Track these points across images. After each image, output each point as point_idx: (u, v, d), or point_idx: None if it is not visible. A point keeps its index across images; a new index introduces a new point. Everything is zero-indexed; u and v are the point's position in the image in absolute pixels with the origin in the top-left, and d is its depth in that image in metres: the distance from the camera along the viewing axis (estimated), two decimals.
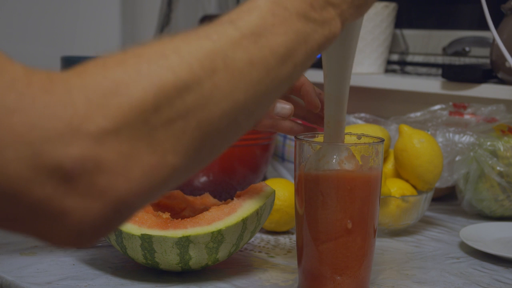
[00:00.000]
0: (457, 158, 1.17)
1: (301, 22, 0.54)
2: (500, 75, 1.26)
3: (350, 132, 0.81)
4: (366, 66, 1.49)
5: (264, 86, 0.51)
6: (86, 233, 0.45)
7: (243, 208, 0.85)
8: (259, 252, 0.97)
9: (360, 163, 0.77)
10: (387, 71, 1.58)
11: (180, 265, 0.84)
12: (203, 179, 1.12)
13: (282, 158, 1.31)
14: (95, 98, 0.44)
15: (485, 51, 1.40)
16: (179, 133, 0.47)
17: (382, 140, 0.79)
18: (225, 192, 1.12)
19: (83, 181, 0.43)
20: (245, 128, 0.53)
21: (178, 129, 0.47)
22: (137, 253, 0.84)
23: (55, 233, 0.44)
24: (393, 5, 1.49)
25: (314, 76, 1.07)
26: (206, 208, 0.90)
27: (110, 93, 0.44)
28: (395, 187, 1.07)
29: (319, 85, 0.82)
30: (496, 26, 1.28)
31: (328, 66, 0.74)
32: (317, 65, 0.95)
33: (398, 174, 1.11)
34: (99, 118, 0.43)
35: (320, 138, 0.80)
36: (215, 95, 0.48)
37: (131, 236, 0.83)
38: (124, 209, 0.45)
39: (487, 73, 1.30)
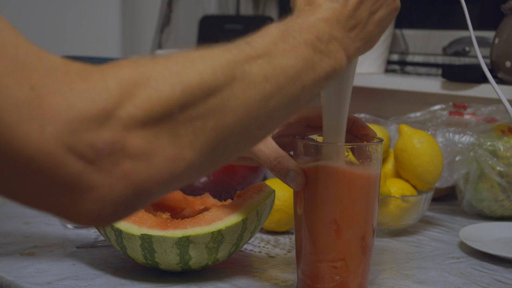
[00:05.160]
0: (457, 158, 1.17)
1: (308, 50, 0.59)
2: (500, 75, 1.26)
3: (349, 132, 0.80)
4: (366, 66, 1.49)
5: (275, 101, 0.56)
6: (107, 210, 0.48)
7: (243, 208, 0.85)
8: (259, 252, 0.97)
9: (359, 163, 0.77)
10: (387, 71, 1.58)
11: (180, 265, 0.84)
12: (203, 179, 1.12)
13: None
14: (127, 87, 0.48)
15: (485, 51, 1.40)
16: (197, 131, 0.51)
17: (381, 140, 0.79)
18: (225, 192, 1.12)
19: (110, 162, 0.47)
20: (256, 138, 0.58)
21: (197, 127, 0.51)
22: (137, 253, 0.84)
23: (79, 208, 0.48)
24: None
25: None
26: (206, 208, 0.90)
27: (141, 85, 0.48)
28: (395, 187, 1.07)
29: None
30: (496, 26, 1.28)
31: (326, 100, 0.75)
32: None
33: (398, 174, 1.11)
34: (130, 107, 0.47)
35: (320, 138, 0.80)
36: (233, 102, 0.53)
37: (131, 236, 0.83)
38: (143, 193, 0.49)
39: None
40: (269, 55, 0.56)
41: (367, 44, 0.66)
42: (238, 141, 0.55)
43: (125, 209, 0.49)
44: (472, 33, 0.86)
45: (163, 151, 0.49)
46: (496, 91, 0.85)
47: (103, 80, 0.47)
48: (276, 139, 0.79)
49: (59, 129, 0.45)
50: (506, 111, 1.25)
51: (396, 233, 1.07)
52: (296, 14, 0.63)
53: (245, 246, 0.98)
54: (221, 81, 0.52)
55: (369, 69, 1.50)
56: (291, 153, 0.79)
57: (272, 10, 1.84)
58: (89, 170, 0.46)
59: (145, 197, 0.50)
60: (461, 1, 0.78)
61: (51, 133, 0.45)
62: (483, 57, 1.42)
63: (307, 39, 0.60)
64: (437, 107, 1.34)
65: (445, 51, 1.50)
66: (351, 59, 0.64)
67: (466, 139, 1.18)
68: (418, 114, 1.33)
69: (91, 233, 1.02)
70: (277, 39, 0.58)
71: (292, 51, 0.58)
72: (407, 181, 1.09)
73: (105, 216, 0.48)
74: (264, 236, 1.04)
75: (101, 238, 0.99)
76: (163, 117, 0.49)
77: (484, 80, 1.29)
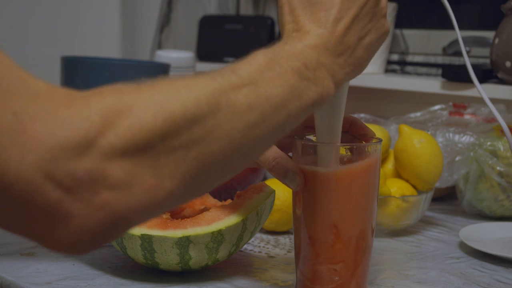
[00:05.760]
0: (457, 158, 1.17)
1: (295, 78, 0.59)
2: (500, 75, 1.26)
3: (348, 132, 0.80)
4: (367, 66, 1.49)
5: (259, 130, 0.56)
6: (84, 239, 0.48)
7: (243, 208, 0.85)
8: (259, 252, 0.97)
9: (358, 163, 0.77)
10: (387, 71, 1.58)
11: (180, 265, 0.84)
12: None
13: None
14: (110, 116, 0.47)
15: (485, 51, 1.40)
16: (179, 161, 0.50)
17: (380, 141, 0.79)
18: (225, 192, 1.12)
19: (89, 191, 0.47)
20: (239, 167, 0.57)
21: (178, 157, 0.50)
22: (137, 253, 0.84)
23: (56, 236, 0.47)
24: (393, 5, 1.49)
25: None
26: (206, 208, 0.90)
27: (124, 113, 0.48)
28: (395, 187, 1.07)
29: None
30: (496, 26, 1.28)
31: (319, 121, 0.75)
32: None
33: (398, 174, 1.11)
34: (111, 136, 0.47)
35: None
36: (216, 131, 0.52)
37: (131, 236, 0.83)
38: (121, 223, 0.49)
39: (487, 73, 1.30)
40: (255, 83, 0.56)
41: (356, 69, 0.66)
42: (220, 170, 0.54)
43: (103, 237, 0.49)
44: (458, 32, 0.86)
45: (143, 181, 0.49)
46: (478, 90, 0.85)
47: (86, 107, 0.47)
48: None
49: (40, 156, 0.45)
50: (506, 111, 1.25)
51: (396, 233, 1.07)
52: (284, 40, 0.63)
53: (245, 246, 0.98)
54: (205, 110, 0.51)
55: (369, 69, 1.50)
56: (290, 154, 0.79)
57: (272, 10, 1.84)
58: (68, 199, 0.46)
59: (123, 226, 0.49)
60: (445, 2, 0.78)
61: (31, 160, 0.45)
62: (483, 57, 1.42)
63: (294, 67, 0.59)
64: (437, 107, 1.34)
65: (445, 51, 1.51)
66: (339, 85, 0.64)
67: (466, 139, 1.18)
68: (418, 114, 1.33)
69: None
70: (263, 67, 0.58)
71: (278, 79, 0.58)
72: (407, 181, 1.09)
73: (82, 244, 0.48)
74: (264, 236, 1.04)
75: None
76: (145, 147, 0.48)
77: (484, 80, 1.29)
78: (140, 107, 0.48)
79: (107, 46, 1.77)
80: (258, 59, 0.58)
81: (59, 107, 0.46)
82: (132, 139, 0.48)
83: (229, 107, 0.53)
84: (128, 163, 0.48)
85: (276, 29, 1.73)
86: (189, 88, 0.52)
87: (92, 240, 0.48)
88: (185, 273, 0.87)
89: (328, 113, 0.74)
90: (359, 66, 0.66)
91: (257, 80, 0.56)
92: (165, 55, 1.43)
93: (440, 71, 1.44)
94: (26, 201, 0.46)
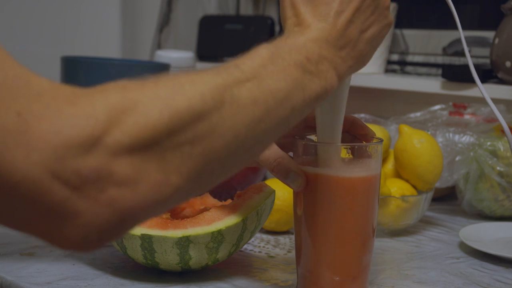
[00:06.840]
0: (457, 158, 1.17)
1: (298, 72, 0.59)
2: (500, 75, 1.26)
3: (348, 132, 0.80)
4: (366, 66, 1.47)
5: (264, 125, 0.56)
6: (91, 236, 0.48)
7: (243, 208, 0.85)
8: (259, 252, 0.97)
9: (359, 163, 0.77)
10: (387, 71, 1.58)
11: (180, 265, 0.84)
12: None
13: None
14: (115, 113, 0.47)
15: (485, 51, 1.40)
16: (185, 156, 0.50)
17: (381, 141, 0.79)
18: (225, 192, 1.12)
19: (96, 189, 0.46)
20: (243, 162, 0.57)
21: (184, 153, 0.50)
22: (137, 253, 0.84)
23: (64, 234, 0.47)
24: (393, 5, 1.49)
25: None
26: (206, 208, 0.90)
27: (129, 110, 0.48)
28: (395, 187, 1.07)
29: None
30: (496, 26, 1.28)
31: (320, 118, 0.75)
32: None
33: (398, 174, 1.11)
34: (117, 133, 0.47)
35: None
36: (221, 126, 0.52)
37: (131, 236, 0.83)
38: (128, 219, 0.49)
39: (487, 73, 1.30)
40: (258, 77, 0.56)
41: (359, 62, 0.66)
42: (225, 165, 0.54)
43: (110, 235, 0.49)
44: (461, 32, 0.86)
45: (150, 177, 0.48)
46: (480, 90, 0.86)
47: (91, 105, 0.47)
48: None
49: (45, 155, 0.45)
50: (506, 111, 1.25)
51: (396, 233, 1.07)
52: (285, 35, 0.63)
53: (245, 246, 0.98)
54: (210, 105, 0.51)
55: (369, 69, 1.50)
56: (291, 153, 0.79)
57: (272, 10, 1.84)
58: (74, 197, 0.46)
59: (130, 223, 0.49)
60: (449, 3, 0.78)
61: (37, 160, 0.45)
62: (483, 57, 1.42)
63: (297, 60, 0.60)
64: (437, 107, 1.34)
65: (445, 51, 1.50)
66: (342, 78, 0.64)
67: (466, 139, 1.18)
68: (418, 114, 1.33)
69: None
70: (266, 61, 0.58)
71: (281, 73, 0.58)
72: (407, 181, 1.09)
73: (89, 242, 0.48)
74: (264, 236, 1.04)
75: None
76: (151, 143, 0.48)
77: (484, 80, 1.29)
78: (145, 103, 0.48)
79: (107, 46, 1.77)
80: (261, 53, 0.58)
81: (64, 105, 0.46)
82: (138, 136, 0.48)
83: (234, 102, 0.53)
84: (135, 159, 0.48)
85: (276, 29, 1.73)
86: (194, 84, 0.52)
87: (99, 237, 0.48)
88: (185, 273, 0.87)
89: (329, 110, 0.74)
90: (361, 59, 0.66)
91: (260, 74, 0.56)
92: (165, 55, 1.43)
93: (440, 71, 1.44)
94: (33, 200, 0.46)
